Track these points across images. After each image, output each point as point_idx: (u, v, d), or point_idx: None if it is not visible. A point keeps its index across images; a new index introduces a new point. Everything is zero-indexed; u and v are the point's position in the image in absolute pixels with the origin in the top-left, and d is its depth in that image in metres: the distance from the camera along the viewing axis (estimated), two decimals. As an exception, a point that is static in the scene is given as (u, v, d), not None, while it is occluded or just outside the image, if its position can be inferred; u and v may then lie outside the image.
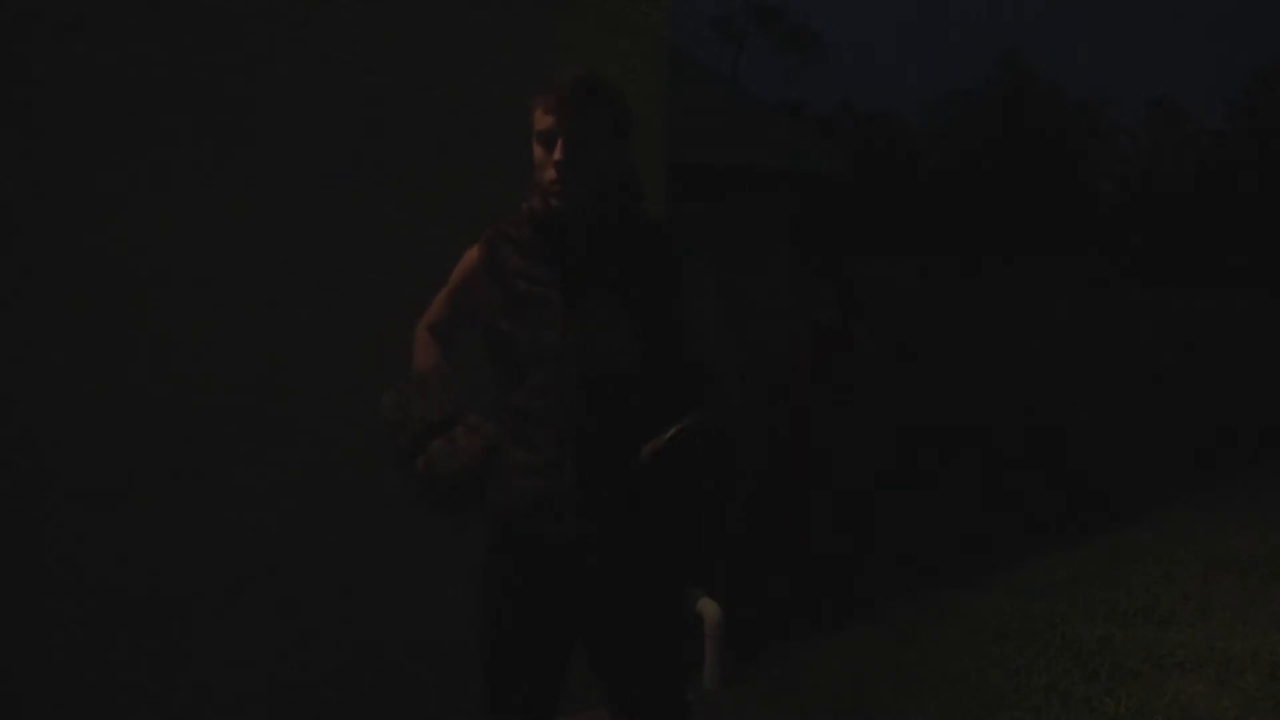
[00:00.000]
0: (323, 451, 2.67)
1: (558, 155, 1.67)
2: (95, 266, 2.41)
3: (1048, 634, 3.89)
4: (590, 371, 1.69)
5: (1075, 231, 32.71)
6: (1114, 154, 36.28)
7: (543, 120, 1.69)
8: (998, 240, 32.10)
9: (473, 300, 1.84)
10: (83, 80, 2.37)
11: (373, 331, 2.66)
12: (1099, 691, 3.42)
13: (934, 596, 4.34)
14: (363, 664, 2.77)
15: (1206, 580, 4.57)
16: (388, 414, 1.72)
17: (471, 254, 1.85)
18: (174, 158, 2.48)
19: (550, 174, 1.68)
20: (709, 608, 3.40)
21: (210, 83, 2.51)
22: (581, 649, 1.82)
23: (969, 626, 4.00)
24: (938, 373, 11.37)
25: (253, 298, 2.59)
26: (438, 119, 2.82)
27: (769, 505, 5.58)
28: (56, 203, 2.37)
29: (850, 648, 3.78)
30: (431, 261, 2.60)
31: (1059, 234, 32.37)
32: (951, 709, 3.32)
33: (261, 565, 2.62)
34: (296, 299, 2.64)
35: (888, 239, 32.90)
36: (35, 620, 2.38)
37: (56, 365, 2.38)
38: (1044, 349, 13.66)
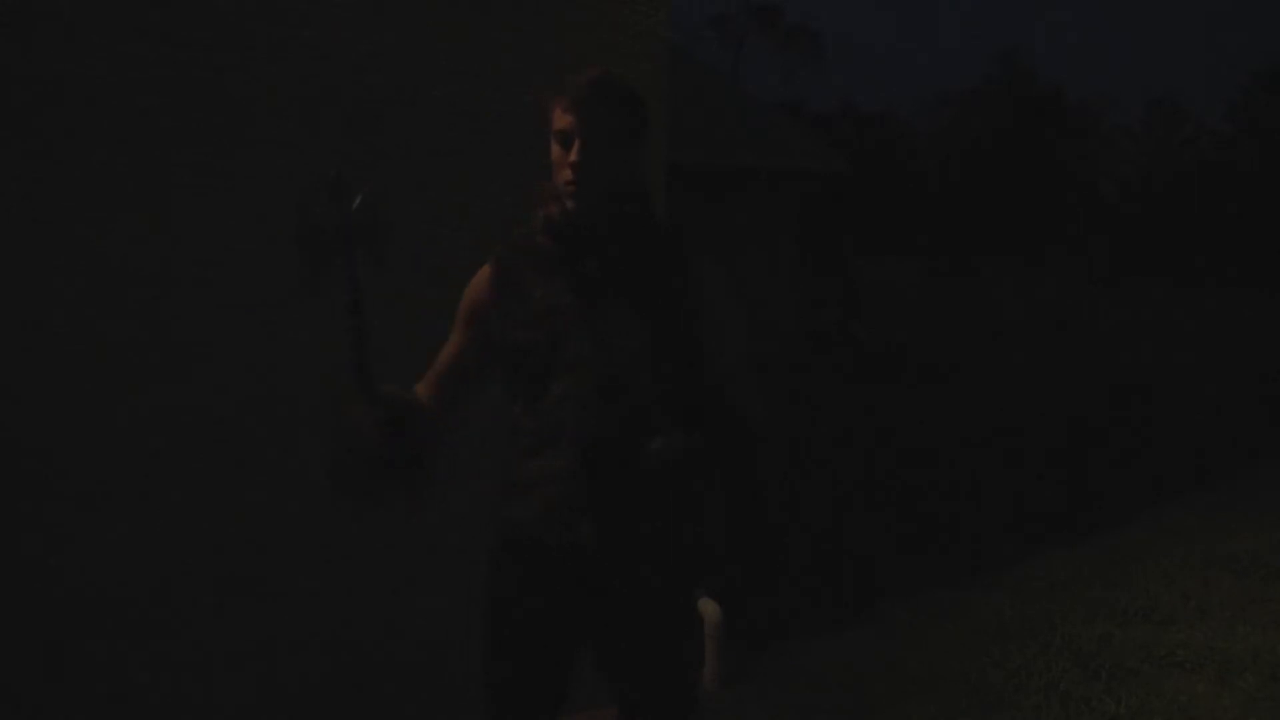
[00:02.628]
0: (323, 452, 2.67)
1: (573, 156, 1.64)
2: (94, 267, 2.40)
3: (1048, 634, 3.89)
4: (609, 379, 1.67)
5: (1076, 231, 32.69)
6: (1115, 154, 36.27)
7: (561, 119, 1.66)
8: (998, 240, 32.10)
9: (486, 320, 1.79)
10: (83, 81, 2.37)
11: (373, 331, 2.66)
12: (1099, 691, 3.42)
13: (934, 596, 4.34)
14: (362, 664, 2.77)
15: (1206, 580, 4.57)
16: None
17: (482, 273, 1.82)
18: (174, 158, 2.48)
19: (566, 174, 1.66)
20: (709, 608, 3.40)
21: (210, 83, 2.51)
22: (587, 653, 1.81)
23: (969, 626, 4.00)
24: (937, 372, 11.37)
25: (252, 298, 2.59)
26: (438, 120, 2.82)
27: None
28: (56, 204, 2.36)
29: (850, 648, 3.78)
30: (432, 262, 2.60)
31: (1059, 234, 32.36)
32: (951, 709, 3.32)
33: (261, 565, 2.62)
34: (296, 299, 2.64)
35: (888, 239, 32.89)
36: (33, 620, 2.38)
37: (55, 366, 2.37)
38: (1043, 348, 13.66)
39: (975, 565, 4.76)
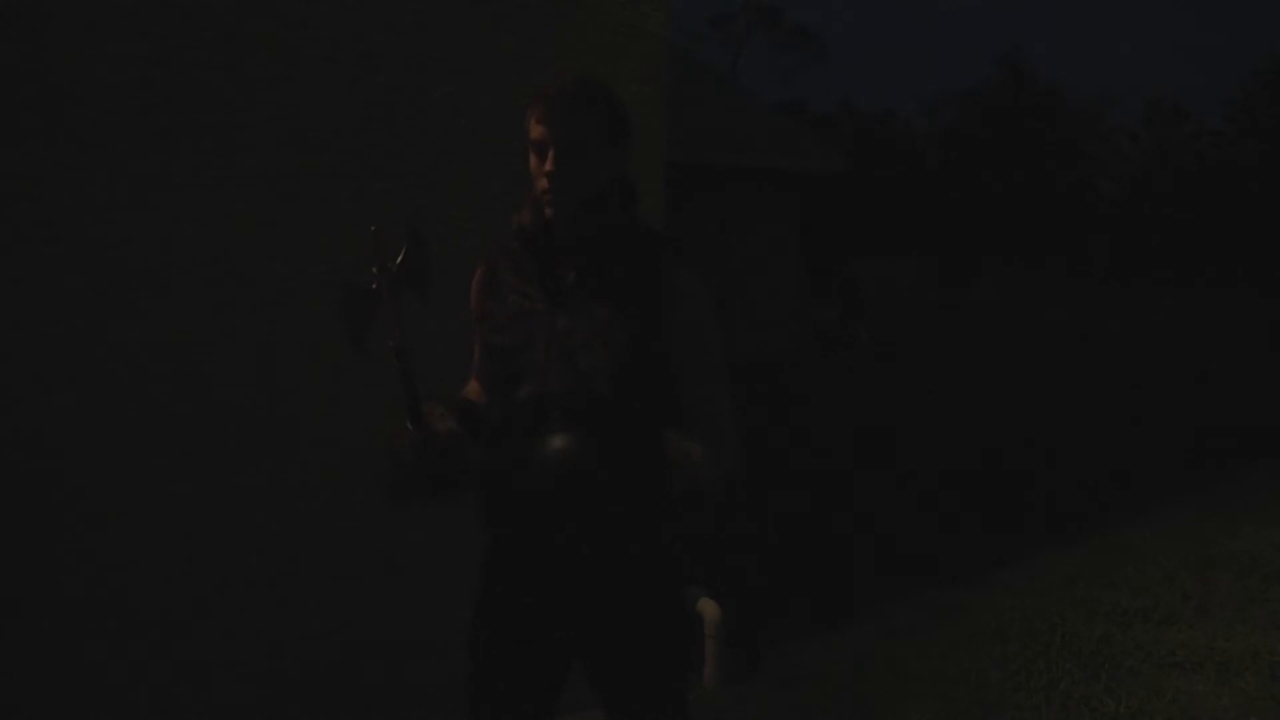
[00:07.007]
0: (324, 451, 2.67)
1: (548, 166, 1.65)
2: (95, 266, 2.41)
3: (1048, 634, 3.90)
4: (568, 388, 1.67)
5: (1075, 231, 32.73)
6: (1114, 154, 36.27)
7: (535, 129, 1.68)
8: (998, 240, 32.13)
9: (478, 319, 1.82)
10: (83, 81, 2.37)
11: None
12: (1099, 691, 3.42)
13: (934, 596, 4.34)
14: (363, 664, 2.77)
15: (1206, 580, 4.57)
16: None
17: (475, 275, 1.84)
18: (174, 158, 2.48)
19: (542, 183, 1.67)
20: (709, 608, 3.40)
21: (209, 83, 2.51)
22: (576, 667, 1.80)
23: (969, 626, 4.00)
24: (937, 373, 11.37)
25: (254, 298, 2.59)
26: (439, 120, 2.82)
27: (766, 506, 5.58)
28: (57, 203, 2.37)
29: (850, 648, 3.79)
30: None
31: (1058, 234, 32.40)
32: (951, 709, 3.32)
33: (263, 565, 2.62)
34: (298, 299, 2.64)
35: (887, 239, 32.93)
36: (35, 619, 2.38)
37: (56, 365, 2.38)
38: (1043, 348, 13.67)
39: (975, 565, 4.76)
